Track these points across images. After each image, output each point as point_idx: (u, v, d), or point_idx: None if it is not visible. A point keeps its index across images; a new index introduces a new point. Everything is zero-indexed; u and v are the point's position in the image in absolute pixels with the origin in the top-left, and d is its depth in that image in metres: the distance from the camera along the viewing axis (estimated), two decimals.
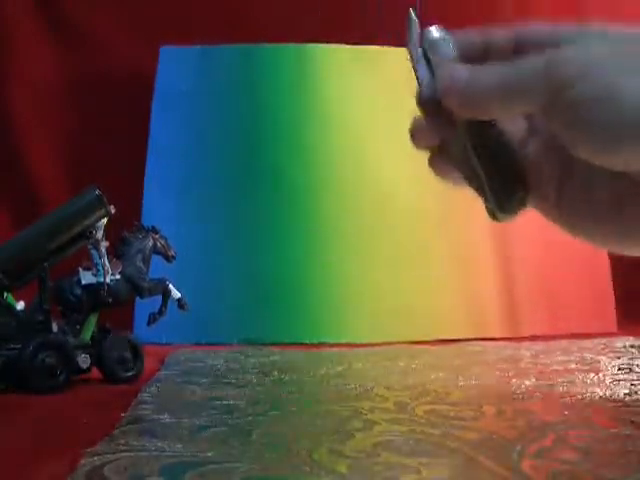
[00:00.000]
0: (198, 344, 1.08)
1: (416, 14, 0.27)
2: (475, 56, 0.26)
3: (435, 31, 0.26)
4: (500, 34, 0.26)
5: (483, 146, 0.26)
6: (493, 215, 0.27)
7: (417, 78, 0.27)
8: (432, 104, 0.26)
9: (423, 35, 0.26)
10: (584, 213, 0.26)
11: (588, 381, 0.72)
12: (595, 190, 0.25)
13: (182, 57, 1.28)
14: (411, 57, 0.26)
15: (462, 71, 0.25)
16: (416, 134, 0.27)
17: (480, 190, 0.26)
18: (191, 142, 1.26)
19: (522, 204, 0.27)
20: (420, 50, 0.26)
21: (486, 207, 0.27)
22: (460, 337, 1.16)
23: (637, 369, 0.78)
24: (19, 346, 0.73)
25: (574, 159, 0.25)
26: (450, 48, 0.26)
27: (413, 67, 0.26)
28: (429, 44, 0.26)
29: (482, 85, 0.25)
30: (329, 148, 1.26)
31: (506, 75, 0.24)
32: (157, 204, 1.22)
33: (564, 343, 1.04)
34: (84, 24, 1.40)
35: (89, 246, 0.79)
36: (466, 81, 0.25)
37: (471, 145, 0.26)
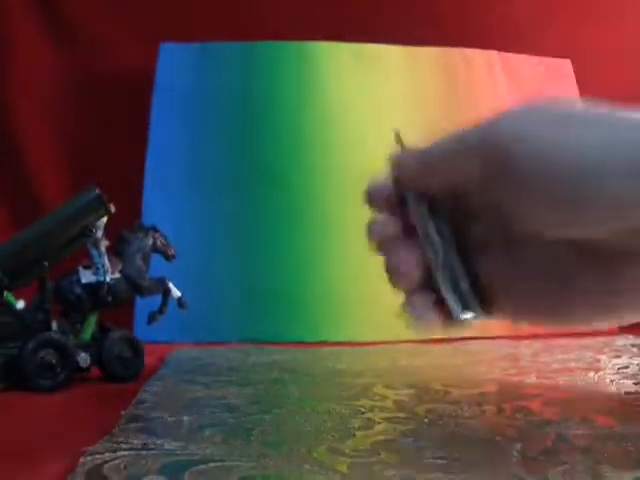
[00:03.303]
0: (198, 343, 1.08)
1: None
2: None
3: None
4: None
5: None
6: (453, 316, 0.29)
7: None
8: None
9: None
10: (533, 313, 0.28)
11: (588, 380, 0.72)
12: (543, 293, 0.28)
13: (182, 54, 1.28)
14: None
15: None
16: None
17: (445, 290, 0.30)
18: (191, 140, 1.26)
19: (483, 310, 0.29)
20: None
21: (448, 309, 0.30)
22: (460, 336, 1.16)
23: (637, 368, 0.78)
24: (19, 345, 0.73)
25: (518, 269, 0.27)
26: None
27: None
28: None
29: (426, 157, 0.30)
30: (330, 147, 1.26)
31: (451, 143, 0.28)
32: (157, 203, 1.22)
33: (564, 342, 1.04)
34: (84, 23, 1.40)
35: (89, 245, 0.79)
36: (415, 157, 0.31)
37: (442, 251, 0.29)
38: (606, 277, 0.25)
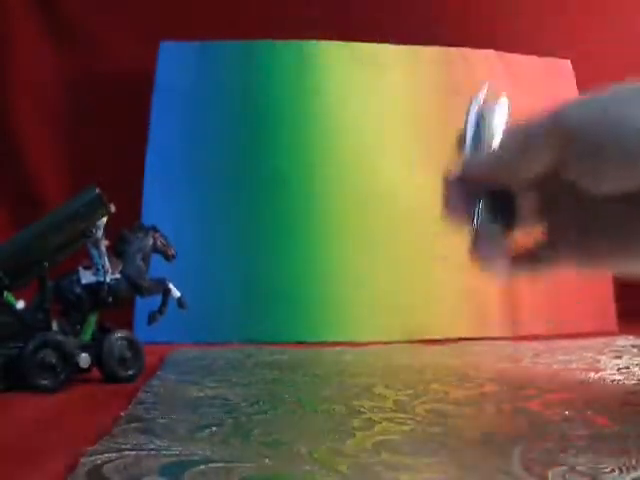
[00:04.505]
0: (198, 343, 1.08)
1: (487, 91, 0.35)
2: None
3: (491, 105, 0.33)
4: None
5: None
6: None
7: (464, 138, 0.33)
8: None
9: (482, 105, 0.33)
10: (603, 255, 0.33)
11: (589, 380, 0.72)
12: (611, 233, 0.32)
13: (182, 53, 1.28)
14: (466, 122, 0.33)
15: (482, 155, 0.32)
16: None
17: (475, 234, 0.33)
18: (191, 140, 1.26)
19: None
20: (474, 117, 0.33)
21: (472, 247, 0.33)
22: (460, 337, 1.16)
23: (637, 369, 0.78)
24: (19, 345, 0.73)
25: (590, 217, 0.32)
26: (501, 118, 0.33)
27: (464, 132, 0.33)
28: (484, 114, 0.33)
29: (499, 157, 0.31)
30: (330, 147, 1.26)
31: (520, 139, 0.30)
32: (157, 203, 1.22)
33: (565, 343, 1.04)
34: (84, 23, 1.40)
35: (89, 245, 0.79)
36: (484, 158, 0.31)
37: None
38: None
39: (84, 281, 0.78)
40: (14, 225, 1.23)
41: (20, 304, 0.76)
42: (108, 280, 0.78)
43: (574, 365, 0.82)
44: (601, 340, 1.05)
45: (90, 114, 1.38)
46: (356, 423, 0.53)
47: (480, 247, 0.34)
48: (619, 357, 0.88)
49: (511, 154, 0.31)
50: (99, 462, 0.42)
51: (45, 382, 0.72)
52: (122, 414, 0.56)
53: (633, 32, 1.48)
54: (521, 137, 0.30)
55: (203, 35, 1.30)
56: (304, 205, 1.23)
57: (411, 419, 0.54)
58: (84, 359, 0.75)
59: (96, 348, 0.77)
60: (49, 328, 0.75)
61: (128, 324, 1.03)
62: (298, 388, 0.70)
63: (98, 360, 0.77)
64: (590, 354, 0.91)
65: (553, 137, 0.29)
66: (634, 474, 0.39)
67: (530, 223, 0.36)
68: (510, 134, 0.31)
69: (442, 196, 0.35)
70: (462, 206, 0.34)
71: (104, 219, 0.78)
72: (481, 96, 0.35)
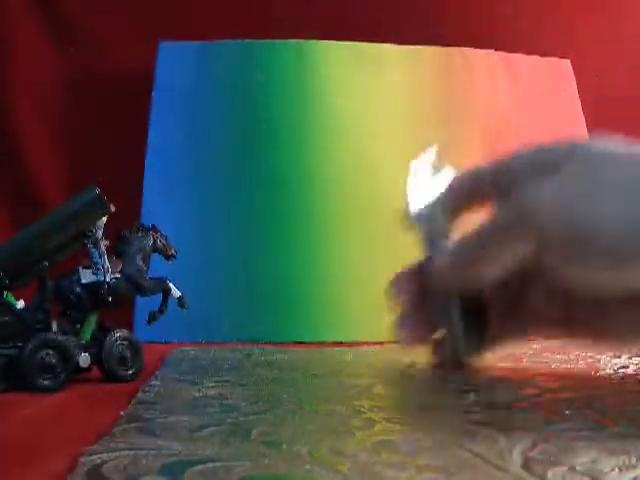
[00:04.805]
0: (198, 343, 1.08)
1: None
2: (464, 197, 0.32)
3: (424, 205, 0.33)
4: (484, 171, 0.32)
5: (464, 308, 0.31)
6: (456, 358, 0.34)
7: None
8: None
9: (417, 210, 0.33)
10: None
11: (588, 380, 0.72)
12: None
13: (182, 53, 1.28)
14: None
15: (447, 256, 0.29)
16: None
17: (451, 339, 0.33)
18: (191, 140, 1.26)
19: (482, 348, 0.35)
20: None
21: (450, 354, 0.33)
22: None
23: (637, 368, 0.78)
24: (19, 345, 0.73)
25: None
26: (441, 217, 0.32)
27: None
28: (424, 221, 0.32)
29: (468, 258, 0.27)
30: (330, 147, 1.26)
31: (488, 237, 0.28)
32: (157, 203, 1.22)
33: (564, 342, 1.04)
34: (84, 23, 1.40)
35: (89, 245, 0.79)
36: (454, 260, 0.30)
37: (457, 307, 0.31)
38: None
39: (84, 281, 0.78)
40: (14, 225, 1.23)
41: (20, 304, 0.76)
42: (108, 280, 0.78)
43: (573, 365, 0.82)
44: None
45: (90, 114, 1.38)
46: (356, 423, 0.53)
47: (448, 359, 0.33)
48: (618, 357, 0.88)
49: (473, 260, 0.30)
50: (99, 462, 0.42)
51: (45, 382, 0.72)
52: (122, 414, 0.56)
53: (633, 32, 1.48)
54: (486, 246, 0.29)
55: (203, 35, 1.30)
56: (304, 205, 1.23)
57: (411, 419, 0.54)
58: (84, 359, 0.75)
59: (96, 348, 0.77)
60: (49, 328, 0.75)
61: (128, 324, 1.03)
62: (298, 388, 0.70)
63: (98, 360, 0.77)
64: (589, 353, 0.91)
65: (521, 239, 0.28)
66: (634, 474, 0.39)
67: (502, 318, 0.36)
68: (474, 240, 0.31)
69: (394, 314, 0.34)
70: (421, 320, 0.33)
71: (104, 219, 0.78)
72: (421, 166, 0.34)
